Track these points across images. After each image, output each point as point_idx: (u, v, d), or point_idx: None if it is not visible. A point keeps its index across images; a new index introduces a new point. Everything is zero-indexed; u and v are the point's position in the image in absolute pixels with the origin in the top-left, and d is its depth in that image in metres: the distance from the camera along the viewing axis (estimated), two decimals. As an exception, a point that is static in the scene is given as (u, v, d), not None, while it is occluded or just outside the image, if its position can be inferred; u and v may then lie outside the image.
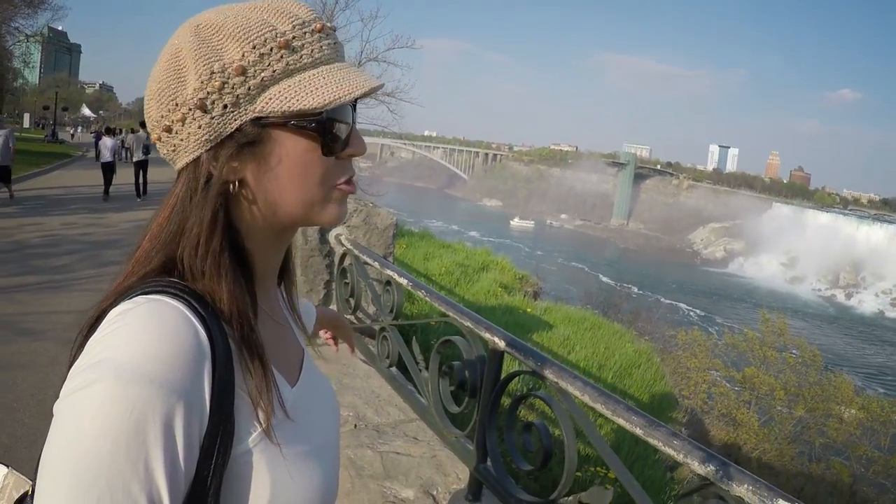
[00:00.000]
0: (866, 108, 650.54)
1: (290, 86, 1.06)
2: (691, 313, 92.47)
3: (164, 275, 1.07)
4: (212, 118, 1.06)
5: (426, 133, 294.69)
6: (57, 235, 14.80)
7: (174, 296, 1.01)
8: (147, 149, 23.61)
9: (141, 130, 26.31)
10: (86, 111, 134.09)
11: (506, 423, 3.03)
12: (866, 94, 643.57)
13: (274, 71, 1.06)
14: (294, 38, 1.07)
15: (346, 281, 5.21)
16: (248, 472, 1.03)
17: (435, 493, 3.39)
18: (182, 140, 1.08)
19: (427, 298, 4.04)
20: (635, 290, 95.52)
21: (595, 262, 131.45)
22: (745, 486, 1.97)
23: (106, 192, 22.80)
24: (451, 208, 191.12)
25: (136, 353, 0.91)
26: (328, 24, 1.13)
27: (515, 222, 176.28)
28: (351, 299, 5.17)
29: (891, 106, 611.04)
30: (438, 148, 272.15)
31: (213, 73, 1.04)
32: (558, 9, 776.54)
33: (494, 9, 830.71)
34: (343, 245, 5.23)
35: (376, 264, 4.76)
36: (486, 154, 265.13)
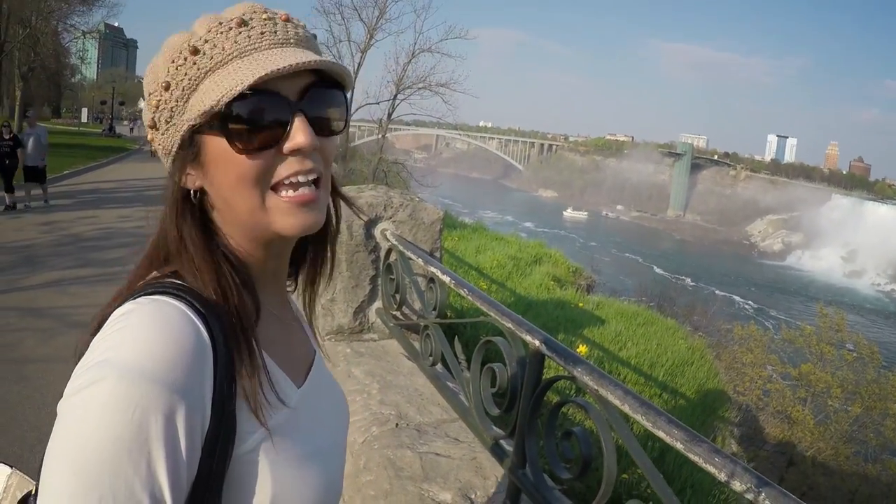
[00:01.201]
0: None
1: (203, 88, 1.08)
2: (746, 306, 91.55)
3: (168, 275, 1.11)
4: (161, 134, 1.14)
5: (481, 123, 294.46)
6: (112, 228, 15.14)
7: (176, 296, 1.03)
8: None
9: None
10: (142, 105, 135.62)
11: (545, 429, 3.00)
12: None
13: (189, 78, 1.09)
14: (205, 40, 1.09)
15: (392, 277, 5.18)
16: (250, 471, 1.04)
17: (473, 496, 3.35)
18: (160, 153, 1.18)
19: (469, 297, 3.98)
20: (689, 282, 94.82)
21: (649, 253, 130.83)
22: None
23: None
24: (506, 199, 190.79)
25: (138, 352, 0.93)
26: (261, 14, 1.13)
27: (568, 213, 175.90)
28: (396, 295, 5.14)
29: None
30: (494, 138, 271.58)
31: (150, 93, 1.13)
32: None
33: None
34: (388, 240, 5.21)
35: (420, 260, 4.72)
36: (542, 145, 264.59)
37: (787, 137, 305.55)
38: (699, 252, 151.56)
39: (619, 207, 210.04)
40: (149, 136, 1.17)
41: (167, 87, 1.08)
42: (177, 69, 1.08)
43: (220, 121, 1.05)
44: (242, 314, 1.09)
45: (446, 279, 4.31)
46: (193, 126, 1.08)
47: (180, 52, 1.08)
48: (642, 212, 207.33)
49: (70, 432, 0.89)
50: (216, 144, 1.08)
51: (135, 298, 1.03)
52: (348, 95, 1.22)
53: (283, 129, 1.08)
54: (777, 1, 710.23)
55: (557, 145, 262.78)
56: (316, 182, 1.13)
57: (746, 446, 14.89)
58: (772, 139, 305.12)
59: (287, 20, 1.14)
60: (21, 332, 8.18)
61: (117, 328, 0.97)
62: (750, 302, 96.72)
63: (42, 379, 6.71)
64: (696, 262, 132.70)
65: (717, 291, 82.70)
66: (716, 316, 32.16)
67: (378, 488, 3.53)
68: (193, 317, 1.00)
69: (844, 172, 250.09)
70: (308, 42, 1.18)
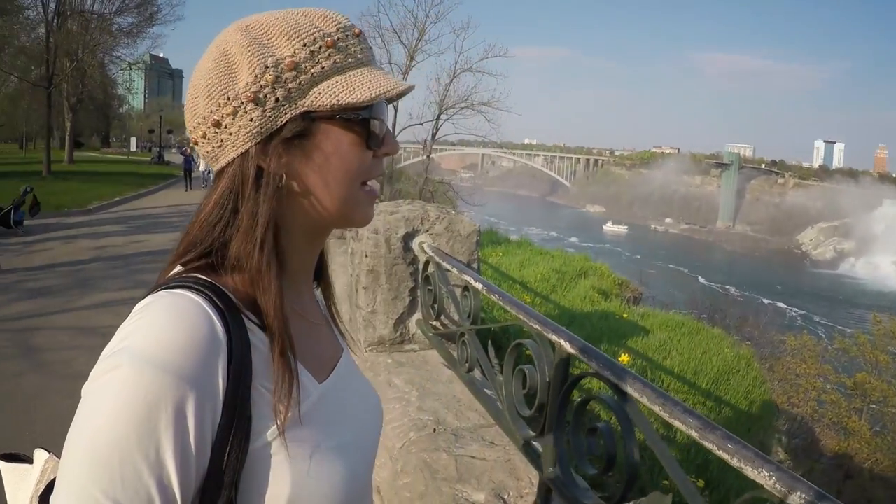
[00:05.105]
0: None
1: (338, 81, 1.12)
2: (796, 315, 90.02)
3: (199, 269, 1.11)
4: (264, 111, 1.09)
5: (526, 141, 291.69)
6: (161, 251, 15.07)
7: (195, 290, 1.04)
8: None
9: None
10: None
11: (572, 426, 2.99)
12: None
13: (323, 67, 1.12)
14: (339, 39, 1.14)
15: (430, 288, 5.23)
16: (266, 465, 1.04)
17: (506, 496, 3.37)
18: (231, 134, 1.11)
19: (500, 302, 4.03)
20: (736, 292, 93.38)
21: (696, 265, 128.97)
22: (798, 493, 1.84)
23: None
24: (552, 215, 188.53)
25: (152, 342, 0.96)
26: (362, 31, 1.20)
27: (608, 227, 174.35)
28: (434, 306, 5.19)
29: None
30: (539, 155, 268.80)
31: (266, 67, 1.09)
32: (655, 12, 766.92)
33: (593, 15, 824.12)
34: (426, 252, 5.26)
35: (455, 270, 4.77)
36: (588, 160, 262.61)
37: (835, 142, 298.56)
38: (751, 263, 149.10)
39: (667, 220, 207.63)
40: (226, 111, 1.11)
41: (295, 67, 1.10)
42: (311, 54, 1.11)
43: (363, 117, 1.14)
44: (279, 308, 1.10)
45: (479, 286, 4.35)
46: (311, 112, 1.11)
47: (315, 41, 1.12)
48: (691, 224, 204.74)
49: (86, 414, 0.95)
50: (340, 135, 1.13)
51: (156, 292, 1.05)
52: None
53: (383, 135, 1.20)
54: (815, 7, 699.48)
55: (603, 160, 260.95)
56: None
57: (802, 459, 14.59)
58: (819, 145, 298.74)
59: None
60: (74, 350, 8.40)
61: (136, 319, 1.00)
62: (802, 311, 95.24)
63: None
64: (748, 272, 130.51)
65: (765, 301, 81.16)
66: (769, 327, 31.56)
67: (413, 490, 3.59)
68: (210, 310, 1.02)
69: (895, 176, 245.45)
70: None
